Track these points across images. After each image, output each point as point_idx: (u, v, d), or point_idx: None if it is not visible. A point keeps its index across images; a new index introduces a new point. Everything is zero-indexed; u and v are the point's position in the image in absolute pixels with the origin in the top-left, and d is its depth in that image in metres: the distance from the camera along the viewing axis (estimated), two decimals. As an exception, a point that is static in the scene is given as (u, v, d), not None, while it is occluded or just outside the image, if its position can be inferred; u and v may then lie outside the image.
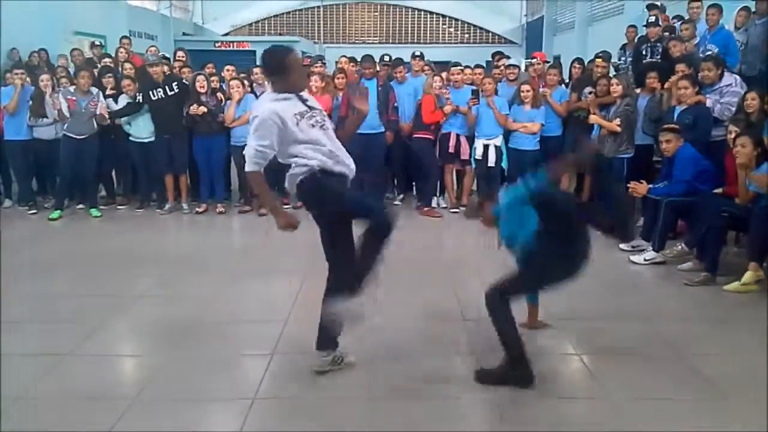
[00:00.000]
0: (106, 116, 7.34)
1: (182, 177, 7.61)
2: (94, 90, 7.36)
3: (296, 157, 3.18)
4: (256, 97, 7.38)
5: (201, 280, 5.15)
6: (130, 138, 7.50)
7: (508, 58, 8.91)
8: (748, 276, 4.77)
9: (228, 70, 7.91)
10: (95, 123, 7.33)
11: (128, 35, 10.82)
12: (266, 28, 24.60)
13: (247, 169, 3.22)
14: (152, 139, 7.46)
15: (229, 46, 18.32)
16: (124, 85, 7.49)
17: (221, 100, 7.40)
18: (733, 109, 5.94)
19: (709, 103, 6.05)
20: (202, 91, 7.27)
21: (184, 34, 19.10)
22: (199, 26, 21.81)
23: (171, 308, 4.55)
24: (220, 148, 7.50)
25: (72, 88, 7.32)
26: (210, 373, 3.49)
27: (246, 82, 7.66)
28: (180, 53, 9.08)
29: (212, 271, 5.41)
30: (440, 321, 4.22)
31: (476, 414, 3.11)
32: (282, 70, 3.24)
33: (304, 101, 3.29)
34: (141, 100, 7.35)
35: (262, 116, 3.16)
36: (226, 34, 22.61)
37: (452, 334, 4.02)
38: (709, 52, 6.94)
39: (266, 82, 7.47)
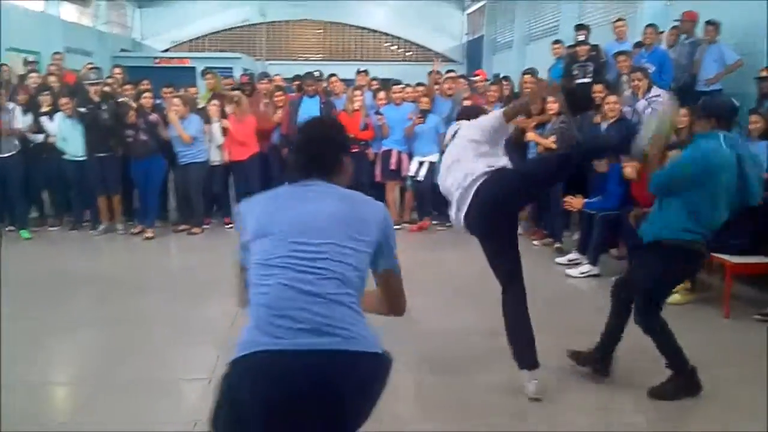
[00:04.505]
0: (16, 131, 7.06)
1: (115, 197, 7.39)
2: (10, 105, 7.08)
3: None
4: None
5: (137, 303, 5.01)
6: (64, 157, 7.27)
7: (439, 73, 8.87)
8: None
9: (165, 93, 7.74)
10: (17, 141, 7.10)
11: (62, 51, 10.52)
12: (207, 44, 24.30)
13: None
14: (85, 158, 7.24)
15: (169, 62, 17.99)
16: (61, 103, 7.21)
17: (157, 120, 7.15)
18: None
19: (640, 107, 6.27)
20: (132, 119, 7.03)
21: (122, 50, 18.66)
22: (137, 42, 21.36)
23: (106, 332, 4.41)
24: (157, 170, 7.28)
25: None
26: (148, 399, 3.40)
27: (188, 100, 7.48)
28: (117, 70, 8.83)
29: (149, 292, 5.28)
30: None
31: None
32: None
33: None
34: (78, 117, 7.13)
35: None
36: (166, 50, 22.21)
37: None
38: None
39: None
